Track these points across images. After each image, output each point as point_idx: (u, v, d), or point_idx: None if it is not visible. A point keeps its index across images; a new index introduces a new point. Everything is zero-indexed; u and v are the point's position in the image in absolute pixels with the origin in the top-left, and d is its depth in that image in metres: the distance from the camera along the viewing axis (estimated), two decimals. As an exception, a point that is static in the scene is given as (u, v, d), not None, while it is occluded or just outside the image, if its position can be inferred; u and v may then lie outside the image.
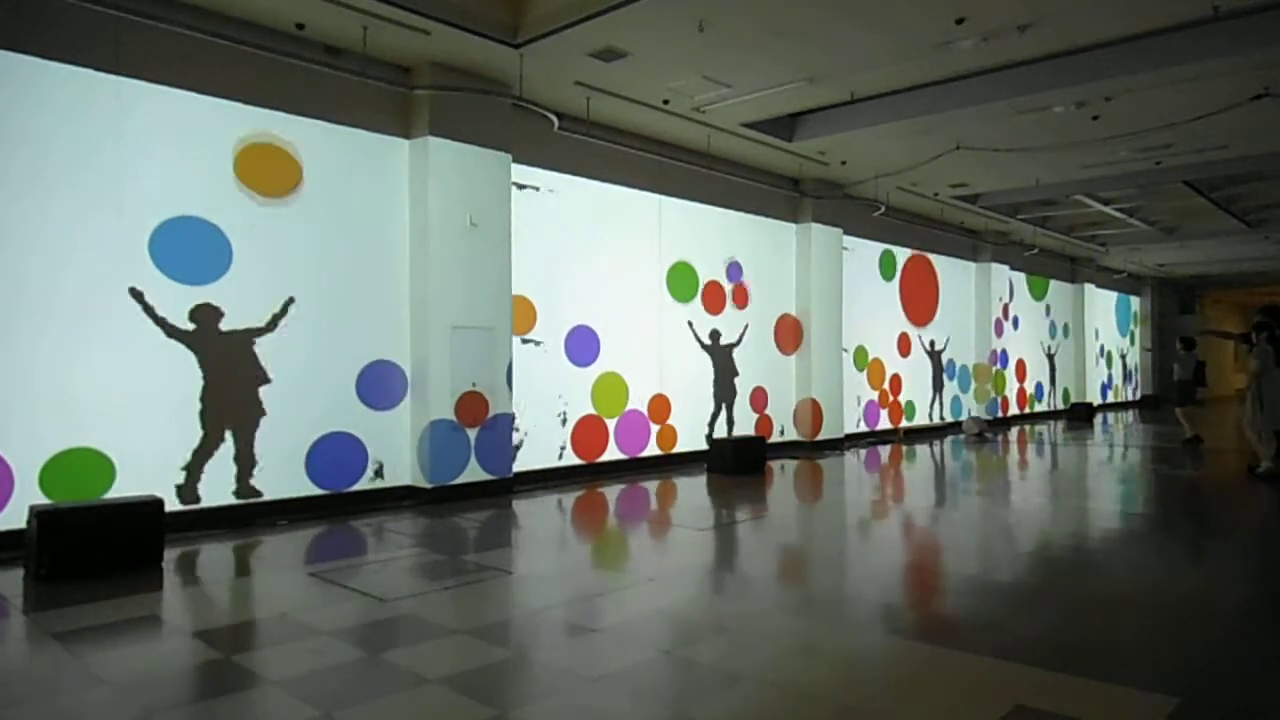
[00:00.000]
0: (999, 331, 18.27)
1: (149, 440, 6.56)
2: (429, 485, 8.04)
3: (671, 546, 6.67)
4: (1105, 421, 19.82)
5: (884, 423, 15.21)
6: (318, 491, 7.53)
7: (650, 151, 10.54)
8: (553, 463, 9.54)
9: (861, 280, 14.58)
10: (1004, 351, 18.60)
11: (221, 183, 7.00)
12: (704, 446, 11.16)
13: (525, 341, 9.21)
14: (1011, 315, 19.09)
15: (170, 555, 5.86)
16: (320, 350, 7.57)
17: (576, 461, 9.80)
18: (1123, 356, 25.96)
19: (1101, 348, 24.19)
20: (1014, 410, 19.31)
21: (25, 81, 6.04)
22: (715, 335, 11.69)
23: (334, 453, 7.63)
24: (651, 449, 10.74)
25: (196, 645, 4.15)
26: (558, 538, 7.04)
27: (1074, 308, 22.52)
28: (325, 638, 4.18)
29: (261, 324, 7.20)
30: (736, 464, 10.37)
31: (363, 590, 5.10)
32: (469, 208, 8.32)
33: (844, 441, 13.53)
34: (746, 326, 12.24)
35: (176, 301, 6.72)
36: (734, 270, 11.92)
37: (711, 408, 11.67)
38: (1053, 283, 21.38)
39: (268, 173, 7.27)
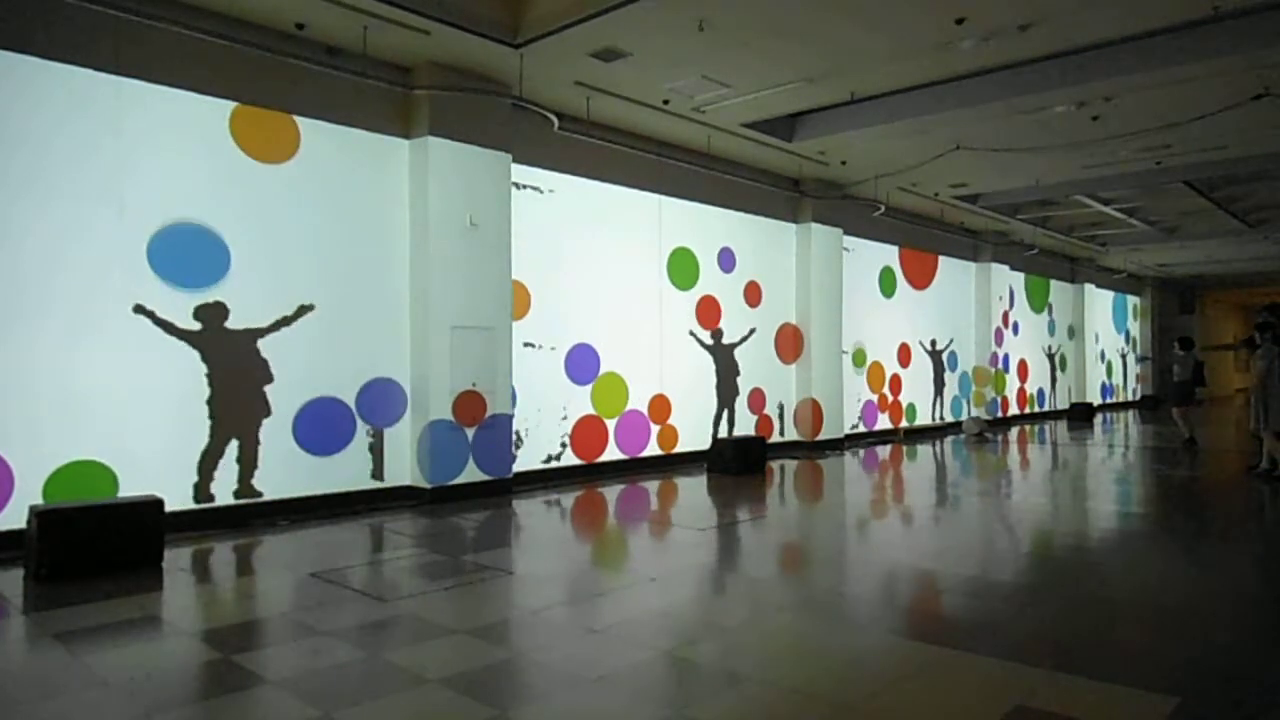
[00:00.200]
0: (999, 340, 18.28)
1: (151, 441, 6.56)
2: (428, 485, 8.04)
3: (671, 546, 6.67)
4: (1106, 421, 19.82)
5: (883, 422, 15.21)
6: (314, 491, 7.53)
7: (650, 151, 10.54)
8: (552, 463, 9.54)
9: (861, 280, 14.57)
10: (1005, 356, 18.61)
11: (220, 182, 7.00)
12: (704, 446, 11.16)
13: (526, 345, 9.22)
14: (1012, 322, 19.10)
15: (170, 555, 5.85)
16: (319, 351, 7.57)
17: (576, 461, 9.79)
18: (1123, 357, 25.95)
19: (1102, 353, 24.19)
20: (1014, 410, 19.30)
21: (25, 81, 6.04)
22: (717, 334, 11.69)
23: (322, 418, 7.58)
24: (652, 449, 10.74)
25: (197, 645, 4.15)
26: (557, 538, 7.04)
27: (1074, 308, 22.52)
28: (325, 638, 4.18)
29: (265, 324, 7.20)
30: (737, 464, 10.37)
31: (363, 590, 5.10)
32: (469, 208, 8.32)
33: (844, 442, 13.52)
34: (753, 330, 12.25)
35: (174, 305, 6.71)
36: (726, 258, 11.87)
37: (713, 407, 11.67)
38: (1053, 285, 21.33)
39: (264, 138, 7.26)
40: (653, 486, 9.48)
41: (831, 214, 13.39)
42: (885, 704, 3.40)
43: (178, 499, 6.61)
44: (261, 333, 7.19)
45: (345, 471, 7.73)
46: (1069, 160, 12.12)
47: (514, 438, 8.95)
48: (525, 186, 9.21)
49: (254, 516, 7.10)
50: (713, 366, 11.68)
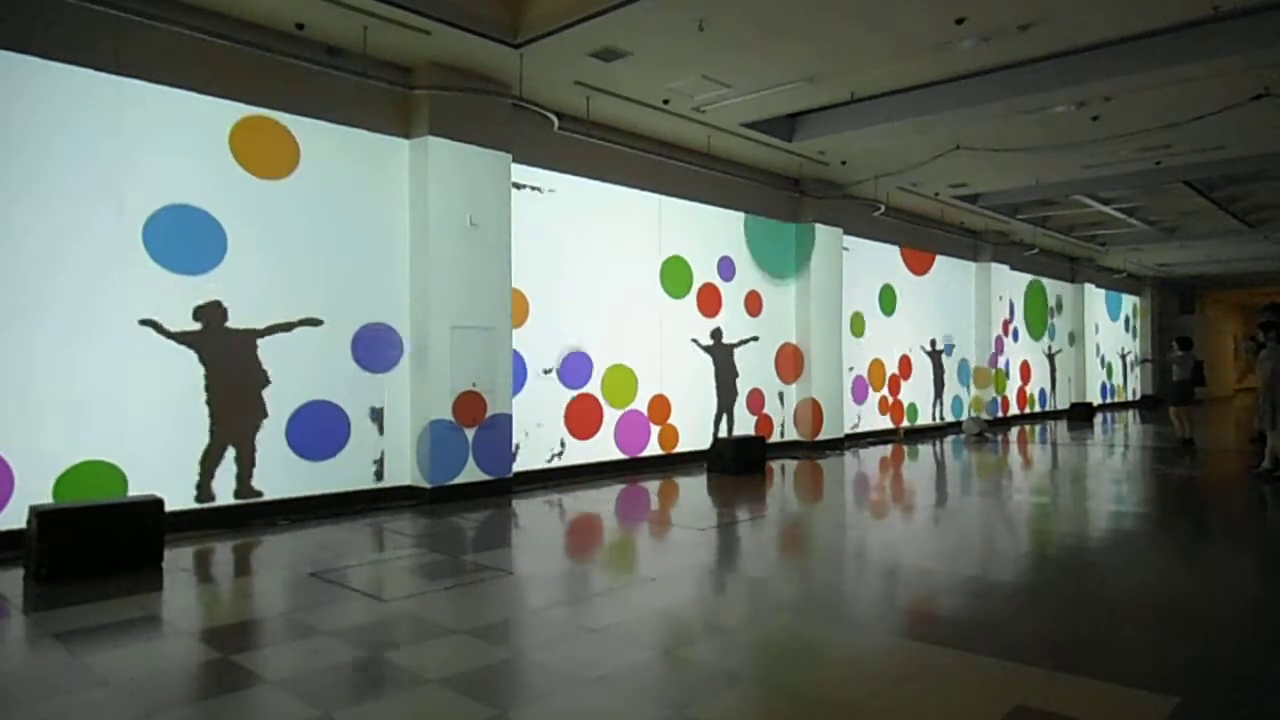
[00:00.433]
0: (1000, 349, 18.29)
1: (152, 440, 6.57)
2: (428, 485, 8.04)
3: (671, 546, 6.67)
4: (1106, 421, 19.82)
5: (873, 399, 15.19)
6: (314, 491, 7.53)
7: (650, 151, 10.54)
8: (553, 463, 9.54)
9: (860, 293, 14.60)
10: (1006, 362, 18.64)
11: (219, 182, 6.99)
12: (704, 446, 11.16)
13: (545, 372, 9.42)
14: (1012, 329, 19.11)
15: (170, 555, 5.85)
16: (319, 353, 7.57)
17: (576, 462, 9.79)
18: (1123, 357, 25.94)
19: (1102, 359, 24.18)
20: (1014, 410, 19.30)
21: (25, 81, 6.04)
22: (716, 334, 11.68)
23: (317, 420, 7.58)
24: (652, 449, 10.74)
25: (197, 645, 4.15)
26: (557, 538, 7.04)
27: (1074, 308, 22.51)
28: (325, 638, 4.18)
29: (263, 326, 7.20)
30: (737, 464, 10.38)
31: (363, 590, 5.10)
32: (469, 208, 8.32)
33: (844, 441, 13.53)
34: (755, 337, 12.25)
35: (170, 293, 6.70)
36: (725, 266, 11.87)
37: (713, 407, 11.66)
38: (1050, 292, 21.27)
39: (264, 152, 7.26)
40: (653, 486, 9.48)
41: (831, 214, 13.38)
42: (885, 704, 3.40)
43: (179, 499, 6.61)
44: (260, 334, 7.18)
45: (345, 470, 7.73)
46: (1069, 160, 12.12)
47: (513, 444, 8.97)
48: (525, 186, 9.21)
49: (254, 516, 7.10)
50: (712, 368, 11.68)
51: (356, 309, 7.85)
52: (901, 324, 15.75)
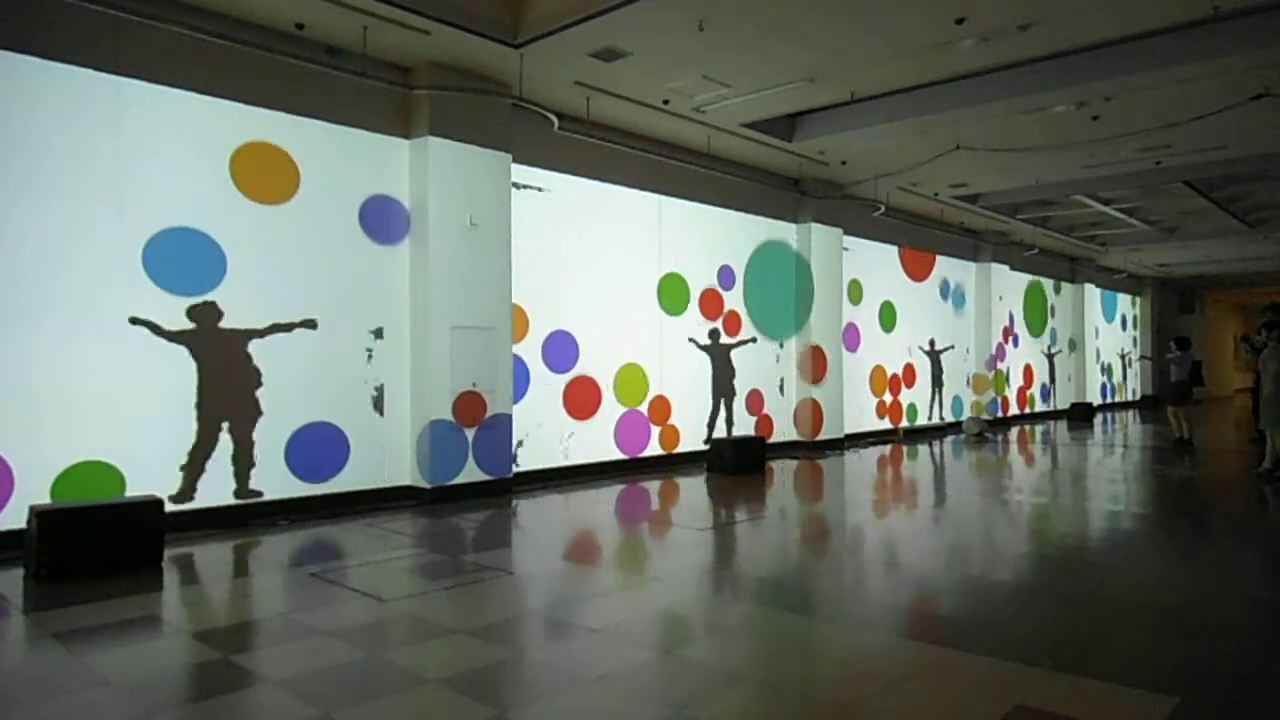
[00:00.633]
0: (1001, 355, 18.29)
1: (151, 440, 6.57)
2: (428, 485, 8.04)
3: (671, 546, 6.67)
4: (1106, 421, 19.81)
5: (873, 402, 15.21)
6: (314, 491, 7.53)
7: (650, 151, 10.54)
8: (553, 462, 9.54)
9: (861, 313, 14.60)
10: (1007, 367, 18.66)
11: (220, 190, 6.99)
12: (704, 446, 11.16)
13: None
14: (1012, 336, 19.12)
15: (170, 555, 5.85)
16: (317, 360, 7.57)
17: (577, 462, 9.79)
18: (1121, 358, 25.92)
19: (1103, 366, 24.17)
20: (1014, 410, 19.30)
21: (24, 81, 6.04)
22: (714, 334, 11.68)
23: (315, 442, 7.58)
24: (652, 449, 10.74)
25: (196, 645, 4.14)
26: (557, 538, 7.04)
27: (1074, 308, 22.50)
28: (325, 638, 4.18)
29: (262, 326, 7.20)
30: (737, 464, 10.37)
31: (363, 590, 5.10)
32: (469, 208, 8.32)
33: (844, 441, 13.53)
34: (755, 339, 12.24)
35: (170, 310, 6.71)
36: (726, 276, 11.87)
37: (710, 408, 11.66)
38: (1049, 294, 21.27)
39: (266, 177, 7.25)
40: (653, 486, 9.48)
41: (831, 214, 13.38)
42: (885, 704, 3.40)
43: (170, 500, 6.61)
44: (257, 334, 7.16)
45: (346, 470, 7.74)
46: (1069, 160, 12.12)
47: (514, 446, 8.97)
48: (525, 186, 9.21)
49: (254, 516, 7.10)
50: (710, 366, 11.67)
51: (357, 309, 7.85)
52: (903, 333, 15.78)
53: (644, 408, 10.62)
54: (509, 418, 8.73)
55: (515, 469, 8.91)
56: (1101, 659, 3.86)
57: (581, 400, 9.85)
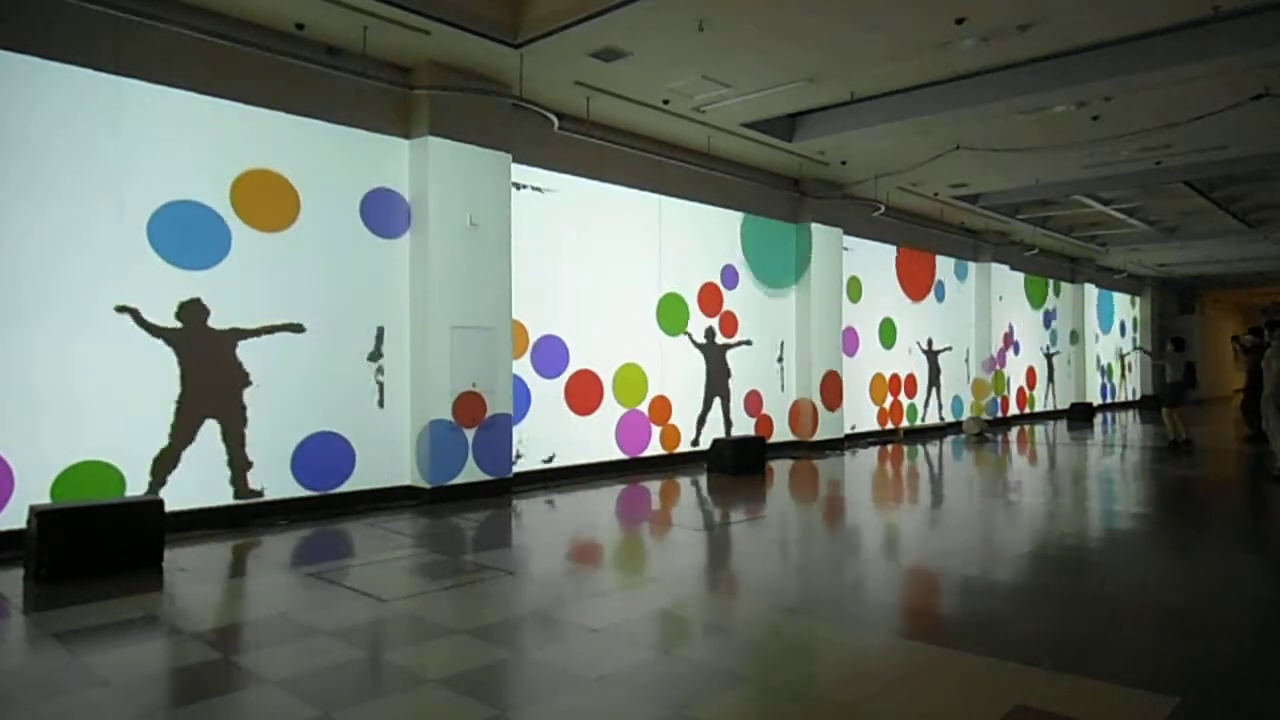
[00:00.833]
0: (1002, 361, 18.30)
1: (150, 441, 6.57)
2: (428, 485, 8.04)
3: (671, 546, 6.67)
4: (1106, 422, 19.81)
5: (873, 406, 15.21)
6: (314, 491, 7.53)
7: (650, 151, 10.54)
8: (553, 462, 9.54)
9: (861, 327, 14.61)
10: (1008, 376, 18.68)
11: (220, 201, 7.00)
12: (704, 446, 11.15)
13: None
14: (1013, 342, 19.13)
15: (170, 555, 5.85)
16: (317, 361, 7.58)
17: (576, 462, 9.79)
18: (1121, 358, 25.92)
19: (1103, 370, 24.16)
20: (1014, 410, 19.30)
21: (24, 81, 6.04)
22: (709, 334, 11.63)
23: (322, 451, 7.59)
24: (653, 449, 10.74)
25: (196, 645, 4.14)
26: (557, 538, 7.03)
27: (1074, 308, 22.50)
28: (325, 638, 4.18)
29: (253, 327, 7.16)
30: (737, 464, 10.37)
31: (363, 590, 5.10)
32: (469, 208, 8.32)
33: (844, 441, 13.53)
34: (750, 341, 12.22)
35: (175, 287, 6.72)
36: (729, 274, 11.85)
37: (714, 407, 11.63)
38: (1049, 291, 21.28)
39: (267, 206, 7.27)
40: (653, 486, 9.48)
41: (831, 214, 13.38)
42: (885, 704, 3.40)
43: (178, 499, 6.60)
44: (243, 334, 7.12)
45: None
46: (1069, 160, 12.12)
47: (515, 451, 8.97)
48: (525, 186, 9.21)
49: (254, 517, 7.10)
50: (704, 364, 11.63)
51: (358, 307, 7.86)
52: (903, 337, 15.79)
53: (644, 407, 10.62)
54: (509, 418, 8.73)
55: (516, 469, 8.91)
56: (1101, 659, 3.86)
57: (582, 397, 9.84)
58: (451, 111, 8.14)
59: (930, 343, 16.63)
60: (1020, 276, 19.74)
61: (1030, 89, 8.84)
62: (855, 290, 14.40)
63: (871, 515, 8.04)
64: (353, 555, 6.16)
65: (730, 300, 11.91)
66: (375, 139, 8.01)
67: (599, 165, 10.01)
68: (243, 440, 7.10)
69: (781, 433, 12.85)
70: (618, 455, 10.28)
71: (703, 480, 9.96)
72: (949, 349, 17.13)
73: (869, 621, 4.64)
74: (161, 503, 5.75)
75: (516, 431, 8.96)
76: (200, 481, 6.84)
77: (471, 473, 8.34)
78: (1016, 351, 19.40)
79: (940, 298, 16.91)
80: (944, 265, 17.05)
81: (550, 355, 9.50)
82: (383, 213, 8.04)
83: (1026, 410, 20.00)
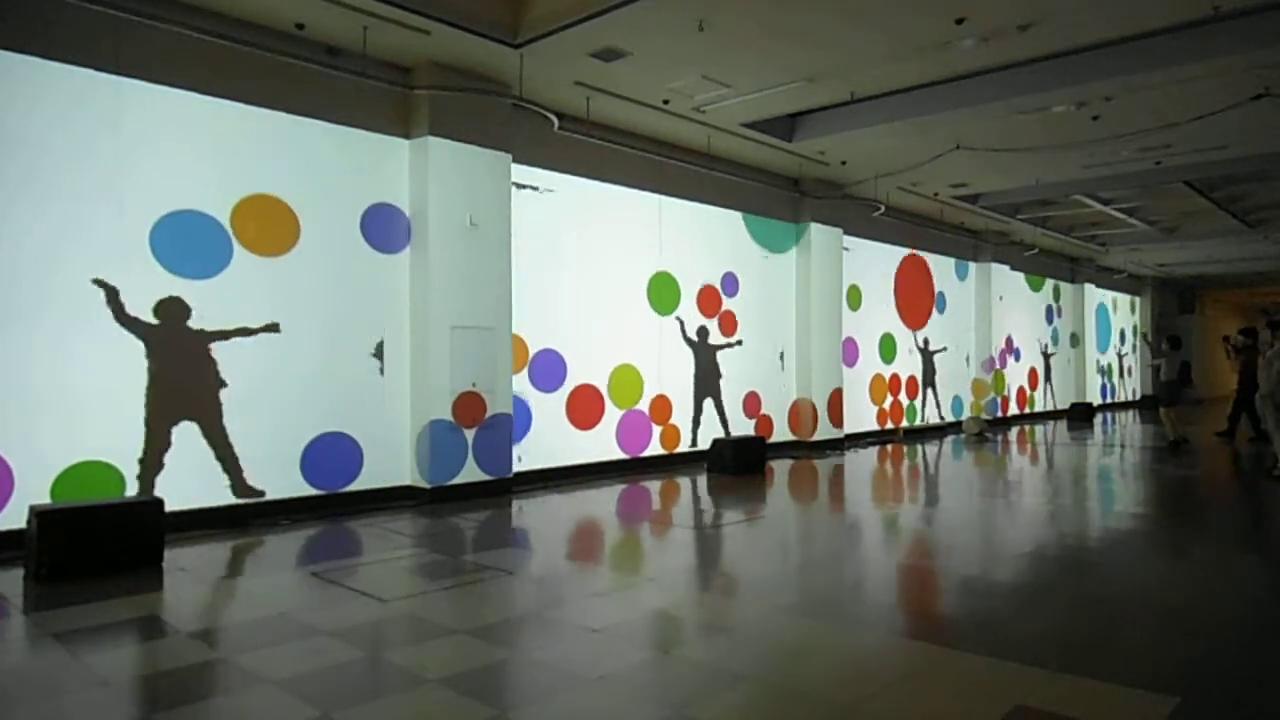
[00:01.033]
0: (1002, 363, 18.29)
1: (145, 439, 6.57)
2: (428, 485, 8.04)
3: (671, 546, 6.67)
4: (1106, 422, 19.81)
5: (864, 361, 15.20)
6: (314, 491, 7.53)
7: (650, 151, 10.54)
8: (553, 462, 9.53)
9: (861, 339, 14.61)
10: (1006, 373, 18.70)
11: (221, 215, 7.00)
12: (704, 447, 11.15)
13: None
14: (1015, 348, 19.13)
15: (170, 555, 5.85)
16: (317, 361, 7.58)
17: (576, 462, 9.79)
18: (1120, 358, 25.91)
19: (1103, 372, 24.15)
20: (1014, 410, 19.30)
21: (24, 80, 6.04)
22: (703, 332, 11.59)
23: (329, 450, 7.61)
24: (653, 449, 10.74)
25: (196, 645, 4.14)
26: (557, 538, 7.04)
27: (1074, 308, 22.49)
28: (325, 638, 4.18)
29: (234, 328, 7.07)
30: (737, 464, 10.37)
31: (363, 590, 5.10)
32: (469, 208, 8.32)
33: (844, 441, 13.53)
34: (740, 341, 12.18)
35: (175, 294, 6.72)
36: (729, 282, 11.85)
37: (708, 408, 11.62)
38: (1048, 289, 21.29)
39: (267, 234, 7.27)
40: (653, 486, 9.48)
41: (831, 214, 13.38)
42: (885, 704, 3.40)
43: (177, 498, 6.60)
44: (218, 335, 7.05)
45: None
46: (1069, 160, 12.12)
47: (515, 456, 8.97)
48: (525, 186, 9.21)
49: (254, 516, 7.10)
50: (694, 363, 11.57)
51: (358, 315, 7.86)
52: (902, 348, 15.82)
53: (644, 407, 10.62)
54: (509, 418, 8.73)
55: (515, 468, 8.91)
56: (1102, 659, 3.86)
57: (583, 411, 9.85)
58: (451, 111, 8.14)
59: (926, 342, 16.62)
60: (1020, 276, 19.74)
61: (1030, 89, 8.85)
62: (855, 298, 14.41)
63: (871, 515, 8.04)
64: (353, 555, 6.16)
65: (730, 301, 11.91)
66: (375, 139, 8.01)
67: (599, 165, 10.01)
68: (228, 441, 6.97)
69: (781, 432, 12.85)
70: (618, 455, 10.28)
71: (703, 480, 9.96)
72: (945, 349, 17.12)
73: (869, 621, 4.64)
74: (161, 503, 5.75)
75: (516, 450, 8.96)
76: (200, 481, 6.84)
77: (471, 472, 8.34)
78: (1018, 358, 19.39)
79: (941, 309, 16.91)
80: (943, 271, 17.02)
81: (548, 369, 9.48)
82: (383, 228, 8.03)
83: (1026, 410, 20.00)
